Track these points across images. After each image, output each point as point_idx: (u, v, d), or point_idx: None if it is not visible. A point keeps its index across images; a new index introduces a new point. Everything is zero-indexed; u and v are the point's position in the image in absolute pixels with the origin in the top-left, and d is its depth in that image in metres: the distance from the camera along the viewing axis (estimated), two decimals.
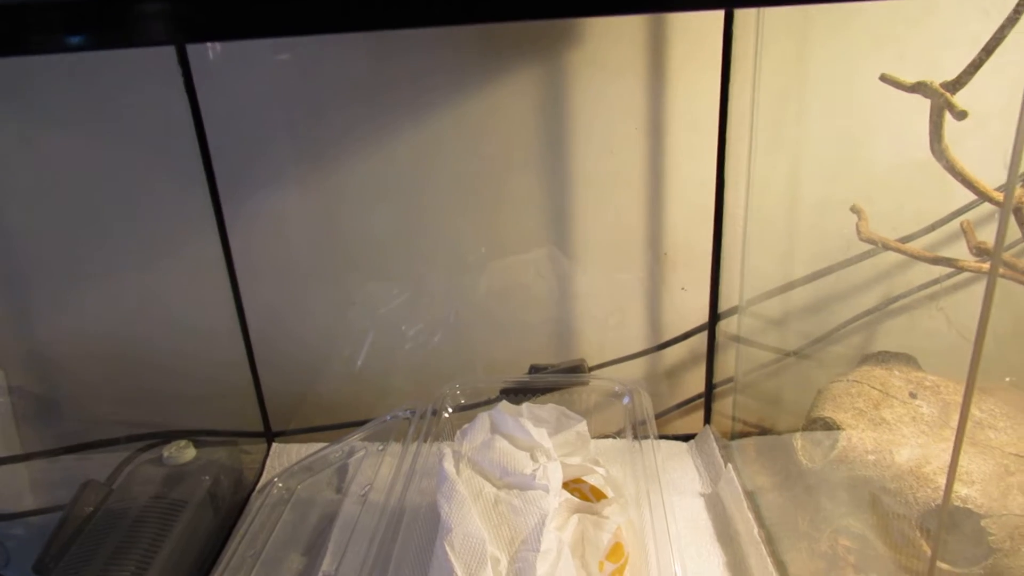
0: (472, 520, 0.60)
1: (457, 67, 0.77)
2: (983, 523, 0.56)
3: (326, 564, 0.65)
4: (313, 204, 0.83)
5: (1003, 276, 0.63)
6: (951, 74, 0.50)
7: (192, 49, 0.76)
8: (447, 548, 0.57)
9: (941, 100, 0.48)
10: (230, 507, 0.79)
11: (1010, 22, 0.34)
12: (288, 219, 0.84)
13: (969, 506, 0.57)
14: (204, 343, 0.90)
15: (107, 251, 0.86)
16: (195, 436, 0.82)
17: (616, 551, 0.63)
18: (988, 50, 0.43)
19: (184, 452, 0.78)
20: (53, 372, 0.91)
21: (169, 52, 0.76)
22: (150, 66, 0.77)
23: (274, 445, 0.90)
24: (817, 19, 0.69)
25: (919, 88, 0.49)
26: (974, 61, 0.45)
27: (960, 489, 0.58)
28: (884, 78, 0.52)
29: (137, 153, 0.81)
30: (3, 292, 0.87)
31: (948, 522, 0.58)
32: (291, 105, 0.79)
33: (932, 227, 0.71)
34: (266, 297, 0.87)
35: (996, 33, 0.40)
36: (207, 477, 0.77)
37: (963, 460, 0.60)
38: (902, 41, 0.62)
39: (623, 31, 0.75)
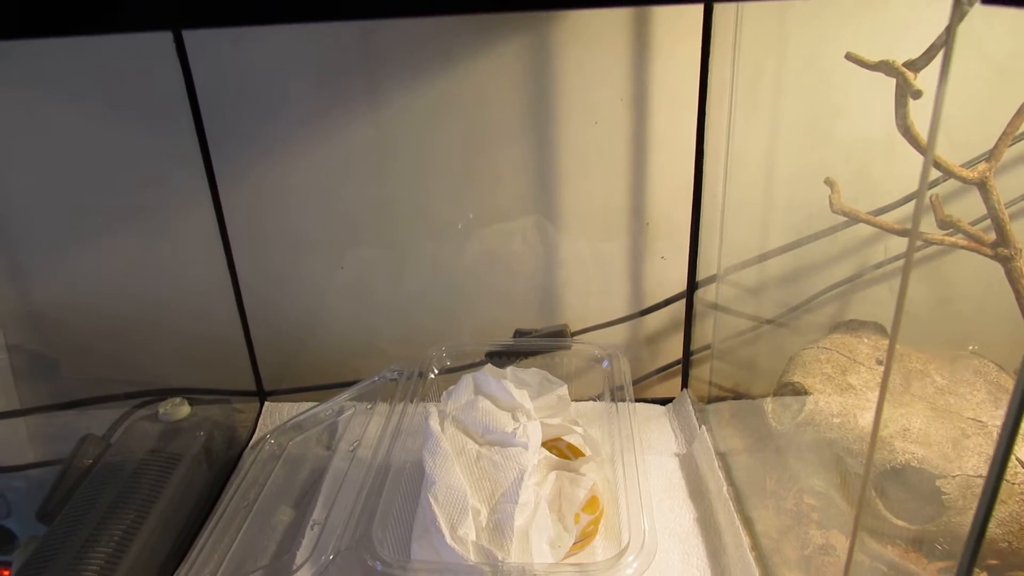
0: (455, 474, 0.63)
1: (444, 39, 0.79)
2: (938, 482, 0.59)
3: (316, 514, 0.68)
4: (305, 170, 0.85)
5: (968, 249, 0.65)
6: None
7: None
8: (431, 499, 0.60)
9: (900, 78, 0.50)
10: (224, 462, 0.82)
11: (957, 6, 0.36)
12: (280, 185, 0.86)
13: (925, 466, 0.60)
14: (198, 305, 0.92)
15: (103, 213, 0.87)
16: (190, 394, 0.84)
17: (592, 504, 0.66)
18: (943, 36, 0.45)
19: (179, 409, 0.81)
20: (51, 331, 0.93)
21: None
22: (144, 34, 0.78)
23: (266, 404, 0.93)
24: None
25: (881, 67, 0.51)
26: (932, 45, 0.47)
27: (917, 450, 0.61)
28: (849, 56, 0.54)
29: (132, 117, 0.82)
30: (1, 252, 0.89)
31: (903, 481, 0.61)
32: (283, 73, 0.81)
33: (904, 200, 0.73)
34: (258, 261, 0.89)
35: (952, 17, 0.42)
36: (201, 433, 0.79)
37: (922, 423, 0.63)
38: (875, 19, 0.64)
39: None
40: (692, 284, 0.86)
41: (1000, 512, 0.58)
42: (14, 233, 0.88)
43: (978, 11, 0.37)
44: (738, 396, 0.87)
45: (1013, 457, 0.59)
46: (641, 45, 0.78)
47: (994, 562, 0.59)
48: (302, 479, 0.78)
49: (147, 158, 0.84)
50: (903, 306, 0.38)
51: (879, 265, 0.75)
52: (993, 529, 0.58)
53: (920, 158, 0.57)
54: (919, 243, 0.70)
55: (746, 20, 0.72)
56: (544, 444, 0.69)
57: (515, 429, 0.68)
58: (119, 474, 0.73)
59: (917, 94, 0.49)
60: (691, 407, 0.85)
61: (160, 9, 0.41)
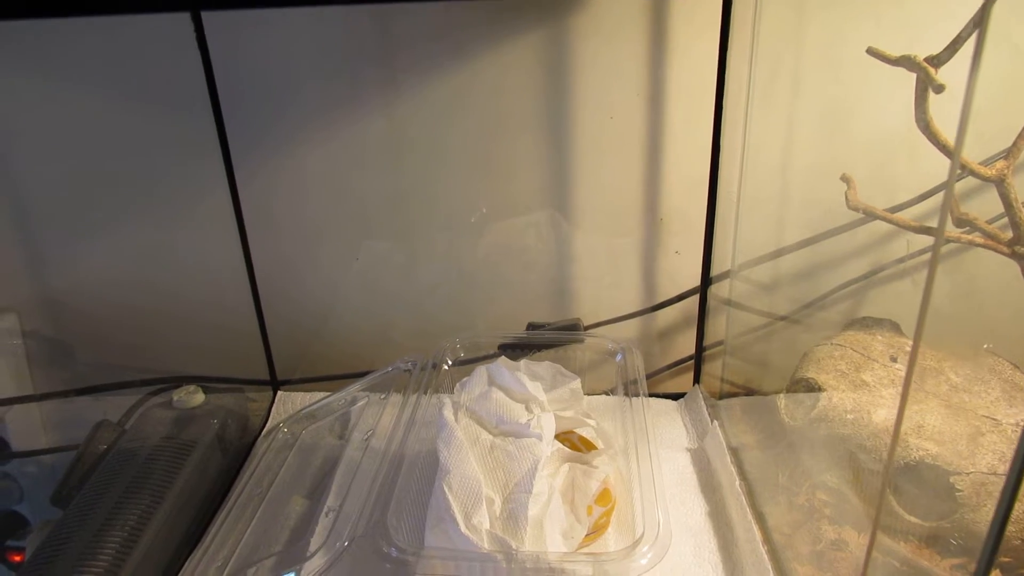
0: (469, 464, 0.63)
1: (461, 31, 0.79)
2: (951, 479, 0.59)
3: (330, 501, 0.68)
4: (320, 161, 0.85)
5: (985, 247, 0.65)
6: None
7: None
8: (445, 488, 0.61)
9: (922, 73, 0.50)
10: (237, 450, 0.82)
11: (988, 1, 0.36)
12: (296, 175, 0.86)
13: (939, 463, 0.60)
14: (213, 294, 0.92)
15: (120, 201, 0.88)
16: (204, 382, 0.85)
17: (604, 496, 0.66)
18: (969, 28, 0.45)
19: (193, 397, 0.81)
20: (66, 317, 0.94)
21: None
22: (164, 21, 0.79)
23: (279, 393, 0.93)
24: None
25: (903, 61, 0.51)
26: (956, 38, 0.47)
27: (931, 447, 0.61)
28: (871, 51, 0.54)
29: (149, 106, 0.83)
30: (19, 239, 0.89)
31: (917, 477, 0.61)
32: (301, 64, 0.81)
33: (921, 197, 0.73)
34: (273, 251, 0.90)
35: (977, 13, 0.42)
36: (215, 421, 0.80)
37: (936, 420, 0.63)
38: (896, 13, 0.64)
39: None
40: (706, 280, 0.86)
41: (1014, 509, 0.58)
42: (31, 220, 0.89)
43: (1004, 2, 0.37)
44: (750, 392, 0.87)
45: None
46: (658, 39, 0.78)
47: (1007, 559, 0.59)
48: (315, 468, 0.78)
49: (165, 147, 0.85)
50: (928, 303, 0.38)
51: (901, 260, 0.75)
52: (1007, 527, 0.58)
53: (938, 154, 0.57)
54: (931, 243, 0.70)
55: (764, 14, 0.71)
56: (557, 437, 0.70)
57: (529, 420, 0.68)
58: (133, 460, 0.73)
59: (940, 88, 0.49)
60: (703, 402, 0.85)
61: None
